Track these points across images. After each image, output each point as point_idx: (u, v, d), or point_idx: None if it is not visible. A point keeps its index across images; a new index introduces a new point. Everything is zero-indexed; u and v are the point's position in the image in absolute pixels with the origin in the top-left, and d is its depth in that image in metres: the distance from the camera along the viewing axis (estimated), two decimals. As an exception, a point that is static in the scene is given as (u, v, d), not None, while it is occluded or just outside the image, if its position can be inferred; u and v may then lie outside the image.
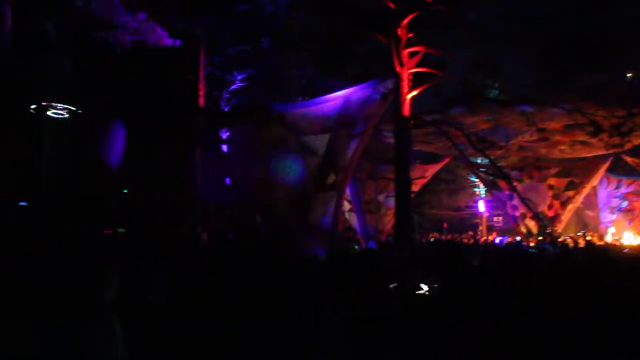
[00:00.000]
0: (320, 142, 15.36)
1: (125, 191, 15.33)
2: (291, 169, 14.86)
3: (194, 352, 6.17)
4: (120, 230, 13.38)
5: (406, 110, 15.90)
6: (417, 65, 16.05)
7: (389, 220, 22.20)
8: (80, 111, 16.10)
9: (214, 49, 17.71)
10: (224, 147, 17.52)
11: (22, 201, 15.10)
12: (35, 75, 14.56)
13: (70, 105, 15.90)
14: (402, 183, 15.92)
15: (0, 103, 14.05)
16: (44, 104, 15.32)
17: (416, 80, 16.24)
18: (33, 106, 15.52)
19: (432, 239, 25.31)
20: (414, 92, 15.98)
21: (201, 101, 17.57)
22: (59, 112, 16.01)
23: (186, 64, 16.78)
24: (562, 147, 22.54)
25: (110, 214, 13.55)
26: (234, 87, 18.40)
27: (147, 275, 7.85)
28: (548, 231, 23.65)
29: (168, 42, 15.80)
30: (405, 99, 15.82)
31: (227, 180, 16.78)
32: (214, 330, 5.91)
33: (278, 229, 14.94)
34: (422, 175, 23.21)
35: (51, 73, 14.86)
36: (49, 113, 15.79)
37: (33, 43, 14.62)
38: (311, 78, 18.38)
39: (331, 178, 14.96)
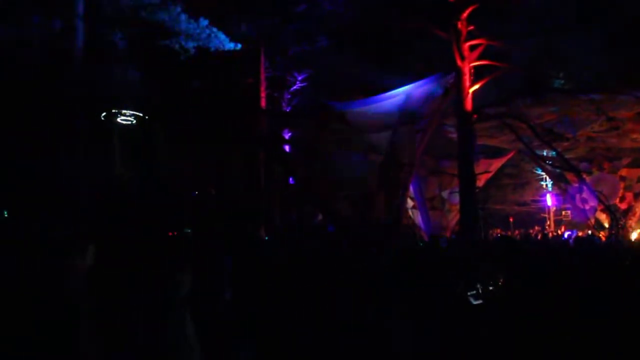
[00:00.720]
0: (382, 139, 15.35)
1: (196, 193, 15.77)
2: (354, 167, 14.91)
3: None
4: (187, 231, 13.76)
5: (468, 104, 15.66)
6: (478, 58, 15.78)
7: (453, 217, 21.91)
8: (147, 117, 16.66)
9: (274, 51, 17.95)
10: (287, 148, 17.76)
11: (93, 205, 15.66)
12: (105, 85, 15.15)
13: (137, 112, 16.49)
14: (466, 178, 15.69)
15: (73, 112, 14.67)
16: (113, 111, 15.95)
17: (477, 74, 15.98)
18: (103, 114, 16.19)
19: (497, 235, 24.81)
20: (476, 86, 15.72)
21: (263, 103, 17.91)
22: (127, 118, 16.63)
23: (247, 67, 17.15)
24: (635, 136, 21.63)
25: (181, 215, 13.96)
26: (294, 87, 18.59)
27: (216, 274, 8.09)
28: (621, 224, 22.74)
29: (230, 46, 16.09)
30: (467, 93, 15.59)
31: (291, 180, 17.02)
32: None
33: (342, 227, 15.01)
34: (486, 170, 22.77)
35: (120, 82, 15.42)
36: (118, 120, 16.43)
37: (103, 54, 15.22)
38: (371, 76, 18.34)
39: (394, 175, 14.91)
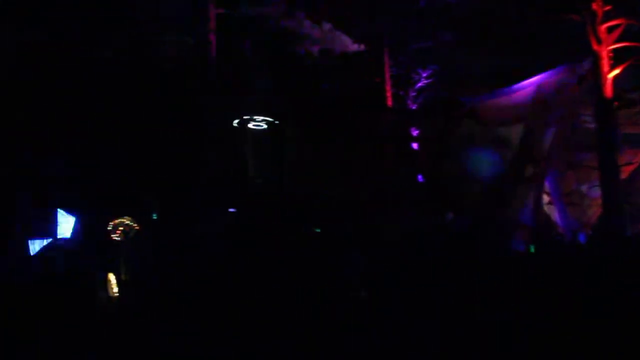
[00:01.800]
0: (513, 133, 14.78)
1: (326, 191, 16.10)
2: (485, 163, 14.48)
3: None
4: (317, 230, 14.11)
5: (608, 90, 14.62)
6: (617, 41, 14.67)
7: (594, 212, 20.52)
8: (277, 122, 17.30)
9: (397, 49, 17.90)
10: (414, 145, 17.64)
11: (232, 207, 16.46)
12: (237, 92, 15.94)
13: (268, 117, 17.17)
14: (608, 170, 14.66)
15: (208, 120, 15.56)
16: (245, 117, 16.74)
17: (616, 58, 14.87)
18: (236, 120, 17.04)
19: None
20: (616, 71, 14.64)
21: (389, 102, 17.92)
22: (259, 123, 17.37)
23: (372, 67, 17.26)
24: None
25: (314, 213, 14.32)
26: (419, 84, 18.41)
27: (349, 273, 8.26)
28: None
29: (353, 47, 16.32)
30: (606, 78, 14.56)
31: (419, 178, 16.88)
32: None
33: (473, 224, 14.64)
34: (630, 161, 21.08)
35: (251, 88, 16.16)
36: (249, 125, 17.21)
37: (235, 63, 16.02)
38: (498, 67, 17.71)
39: (528, 170, 14.28)
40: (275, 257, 11.50)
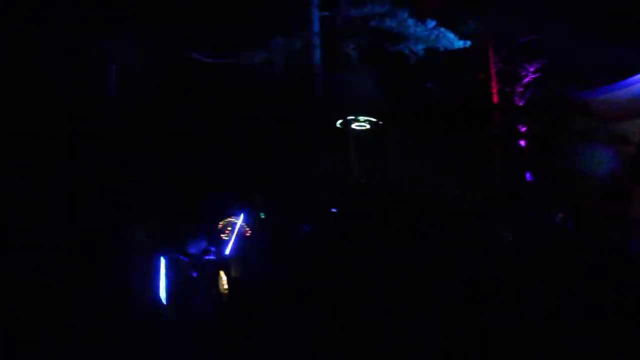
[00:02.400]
0: (632, 128, 13.94)
1: (430, 191, 15.94)
2: (601, 160, 13.76)
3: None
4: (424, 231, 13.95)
5: None
6: None
7: None
8: (380, 122, 17.32)
9: (503, 44, 17.35)
10: (522, 142, 17.07)
11: (333, 207, 16.63)
12: (341, 93, 16.11)
13: (371, 117, 17.22)
14: None
15: (314, 121, 15.83)
16: (349, 118, 16.89)
17: None
18: (339, 121, 17.21)
19: None
20: None
21: (495, 98, 17.42)
22: (362, 124, 17.46)
23: (476, 64, 16.86)
24: None
25: (421, 214, 14.21)
26: (526, 80, 17.76)
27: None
28: None
29: (459, 45, 16.00)
30: None
31: (528, 176, 16.31)
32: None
33: (588, 224, 13.93)
34: None
35: (354, 89, 16.27)
36: (352, 126, 17.34)
37: (338, 65, 16.20)
38: (614, 58, 16.73)
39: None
40: (381, 258, 11.52)
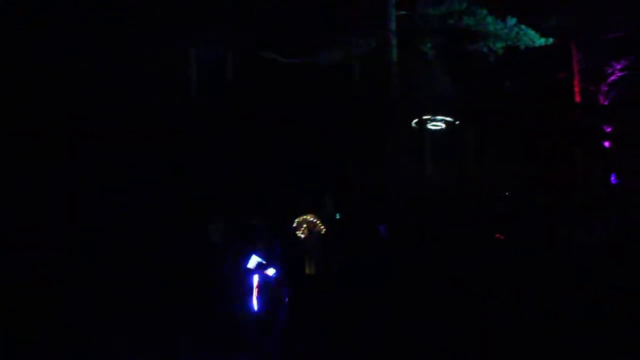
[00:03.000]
0: None
1: (507, 194, 15.58)
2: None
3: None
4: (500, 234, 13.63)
5: None
6: None
7: None
8: (456, 122, 17.06)
9: (587, 41, 16.72)
10: (606, 143, 16.39)
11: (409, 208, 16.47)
12: (417, 93, 15.98)
13: (447, 117, 17.00)
14: None
15: (390, 121, 15.77)
16: (424, 118, 16.74)
17: None
18: (414, 121, 17.08)
19: None
20: None
21: (577, 97, 16.81)
22: (437, 124, 17.26)
23: (557, 62, 16.32)
24: None
25: (495, 217, 13.92)
26: (612, 78, 17.00)
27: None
28: None
29: (540, 42, 15.49)
30: None
31: (613, 179, 15.67)
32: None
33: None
34: None
35: (430, 89, 16.10)
36: (428, 126, 17.16)
37: (414, 64, 16.06)
38: None
39: None
40: (458, 261, 11.36)
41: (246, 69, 16.38)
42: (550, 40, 15.55)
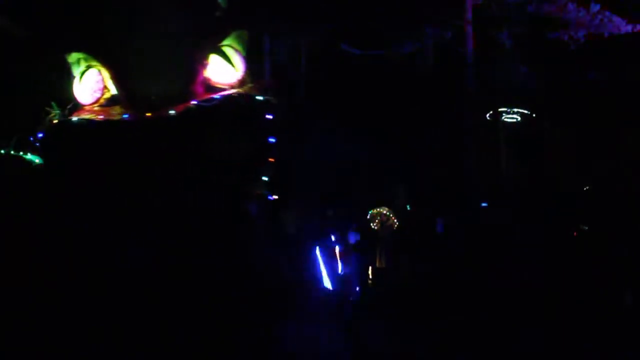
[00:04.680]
0: None
1: (587, 188, 14.98)
2: None
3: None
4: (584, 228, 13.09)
5: None
6: None
7: None
8: (533, 114, 16.49)
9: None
10: None
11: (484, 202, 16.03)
12: (493, 84, 15.55)
13: (523, 109, 16.45)
14: None
15: (466, 112, 15.39)
16: (500, 110, 16.23)
17: None
18: (489, 113, 16.59)
19: None
20: None
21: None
22: (513, 116, 16.72)
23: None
24: None
25: (576, 210, 13.42)
26: None
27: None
28: None
29: (627, 29, 14.76)
30: None
31: None
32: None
33: None
34: None
35: (507, 80, 15.63)
36: (503, 118, 16.64)
37: (492, 54, 15.63)
38: None
39: None
40: (535, 256, 11.04)
41: (322, 62, 16.35)
42: (639, 26, 14.77)
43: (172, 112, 6.96)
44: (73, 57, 7.61)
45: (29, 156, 8.40)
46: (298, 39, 15.88)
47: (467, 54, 15.13)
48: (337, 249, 10.72)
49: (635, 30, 14.83)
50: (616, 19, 14.84)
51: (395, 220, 14.53)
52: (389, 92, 15.90)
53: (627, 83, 15.55)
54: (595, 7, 14.95)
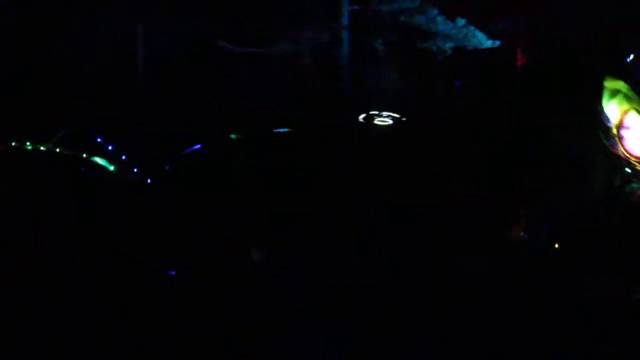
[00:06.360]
0: None
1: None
2: None
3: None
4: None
5: None
6: None
7: None
8: (403, 118, 17.18)
9: (533, 44, 17.06)
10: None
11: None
12: (366, 88, 16.11)
13: (394, 113, 17.11)
14: None
15: (338, 116, 15.81)
16: (372, 113, 16.81)
17: None
18: (362, 116, 17.16)
19: None
20: None
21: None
22: (384, 119, 17.37)
23: (504, 63, 16.59)
24: None
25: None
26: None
27: None
28: None
29: (487, 44, 15.89)
30: None
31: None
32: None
33: None
34: None
35: (380, 85, 16.23)
36: (375, 121, 17.26)
37: (365, 59, 16.24)
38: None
39: None
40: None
41: (198, 57, 16.32)
42: (497, 43, 15.92)
43: None
44: None
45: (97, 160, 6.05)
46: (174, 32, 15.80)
47: (342, 57, 15.74)
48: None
49: (494, 46, 15.98)
50: (479, 34, 15.92)
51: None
52: (264, 91, 16.07)
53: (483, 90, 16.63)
54: (461, 22, 15.97)
